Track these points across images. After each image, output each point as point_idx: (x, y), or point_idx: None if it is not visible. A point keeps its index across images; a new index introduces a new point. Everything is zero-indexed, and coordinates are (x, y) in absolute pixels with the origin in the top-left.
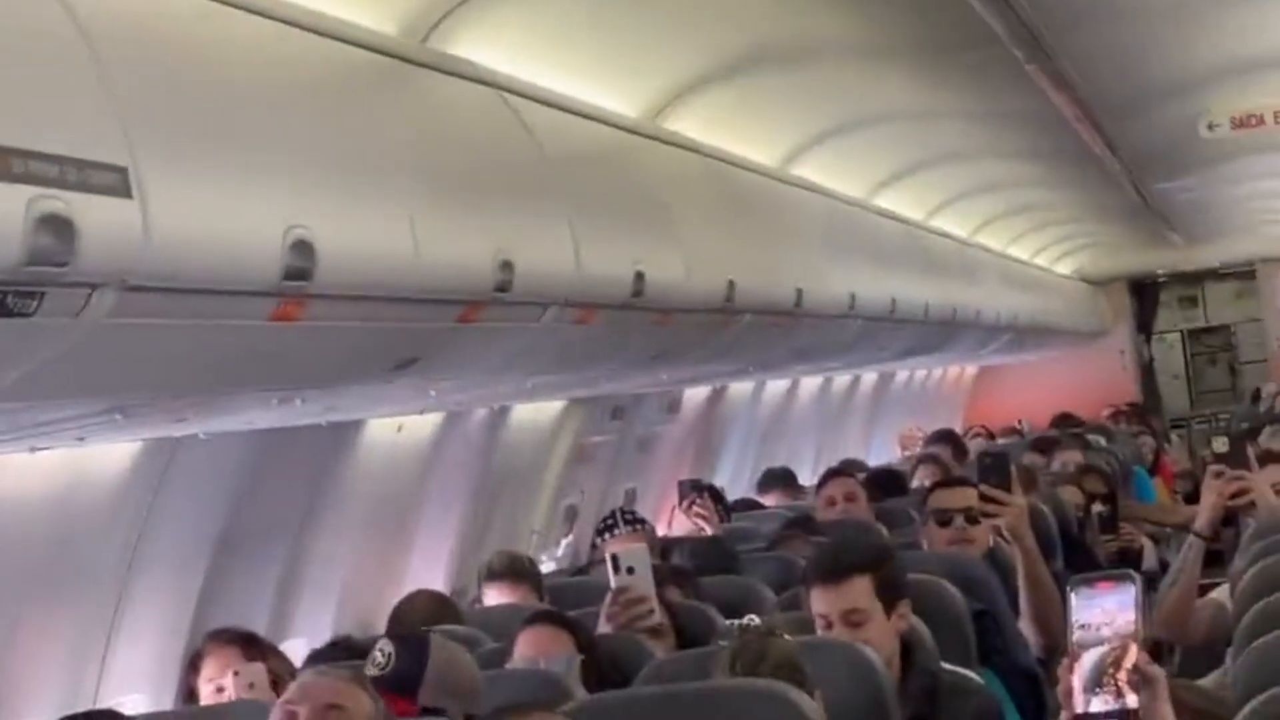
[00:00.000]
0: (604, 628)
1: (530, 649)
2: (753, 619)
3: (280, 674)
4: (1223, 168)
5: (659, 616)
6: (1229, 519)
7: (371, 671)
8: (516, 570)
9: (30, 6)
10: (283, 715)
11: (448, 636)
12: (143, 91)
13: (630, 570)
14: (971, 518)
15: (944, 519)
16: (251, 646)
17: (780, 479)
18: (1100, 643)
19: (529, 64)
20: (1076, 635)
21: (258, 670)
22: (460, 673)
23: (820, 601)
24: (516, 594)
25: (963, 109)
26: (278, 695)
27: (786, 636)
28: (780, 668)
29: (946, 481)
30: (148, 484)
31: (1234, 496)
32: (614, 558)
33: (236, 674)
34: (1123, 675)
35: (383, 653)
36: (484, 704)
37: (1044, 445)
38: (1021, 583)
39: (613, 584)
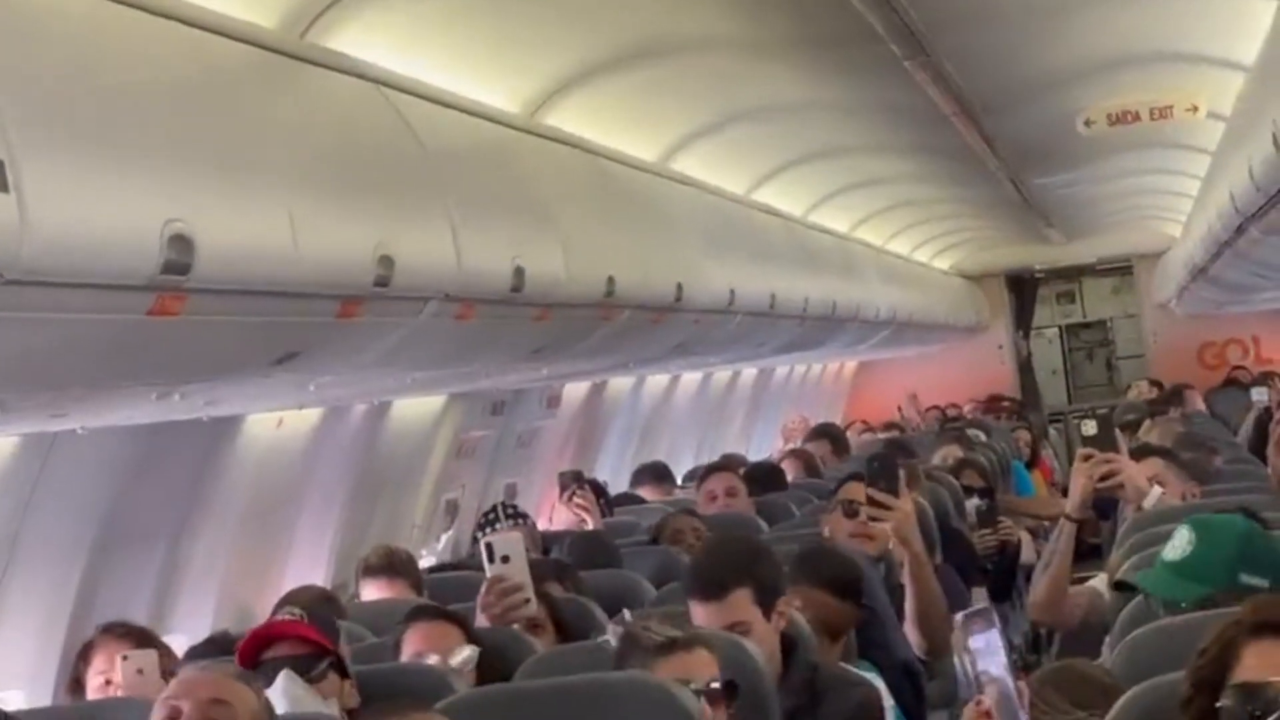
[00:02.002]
0: (480, 620)
1: (422, 644)
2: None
3: (169, 671)
4: (1100, 164)
5: (535, 607)
6: (1106, 512)
7: (286, 617)
8: (394, 565)
9: None
10: (166, 711)
11: None
12: (19, 85)
13: (505, 559)
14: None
15: (851, 510)
16: (142, 640)
17: (652, 473)
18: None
19: (409, 59)
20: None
21: (148, 657)
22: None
23: (701, 616)
24: (394, 589)
25: (841, 104)
26: None
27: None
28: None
29: (862, 475)
30: (25, 479)
31: (1103, 479)
32: (488, 546)
33: (125, 658)
34: None
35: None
36: (367, 698)
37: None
38: (908, 585)
39: (488, 573)
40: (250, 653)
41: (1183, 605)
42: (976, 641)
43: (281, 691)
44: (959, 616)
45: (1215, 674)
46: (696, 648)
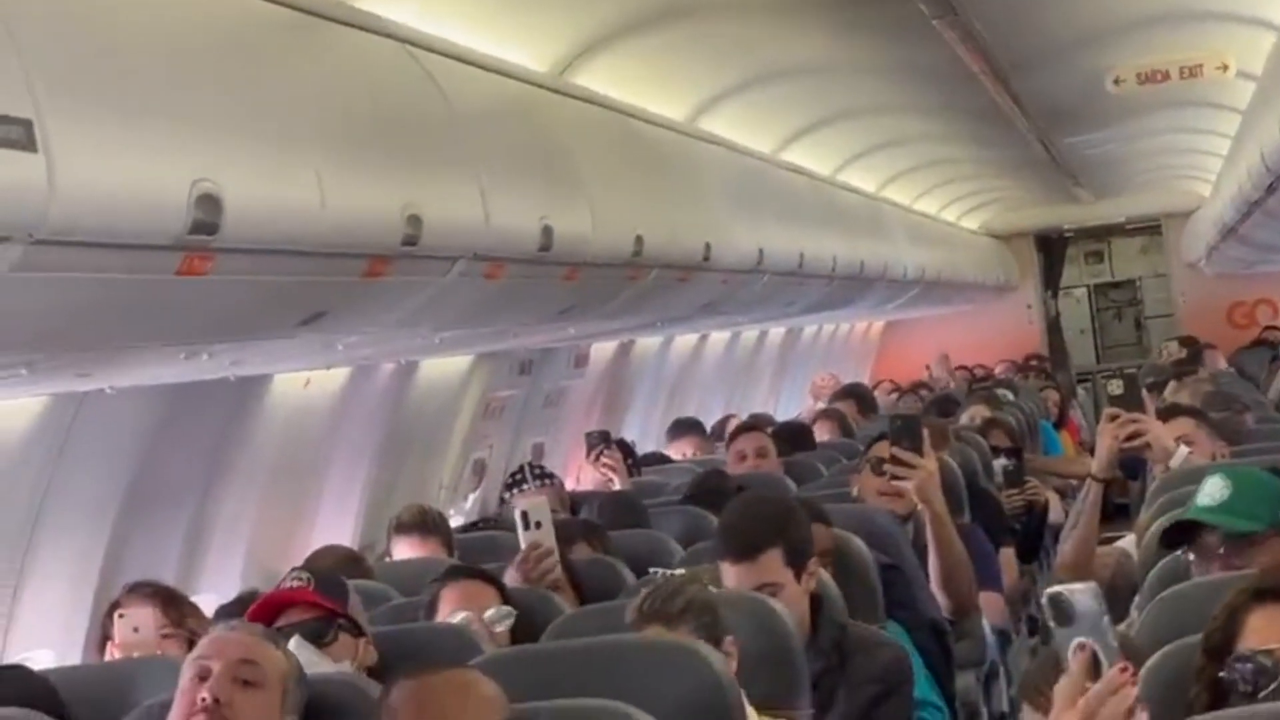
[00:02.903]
0: (512, 582)
1: (459, 604)
2: (660, 572)
3: (199, 632)
4: (1129, 123)
5: (559, 570)
6: (1135, 473)
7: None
8: (426, 524)
9: None
10: (195, 670)
11: (357, 591)
12: (48, 45)
13: (538, 525)
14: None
15: (879, 469)
16: (171, 600)
17: (690, 426)
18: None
19: (437, 18)
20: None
21: (144, 614)
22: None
23: (732, 577)
24: (426, 547)
25: (870, 64)
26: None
27: (711, 587)
28: (692, 606)
29: None
30: (54, 439)
31: (1129, 439)
32: (523, 514)
33: (121, 616)
34: None
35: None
36: (398, 660)
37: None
38: (931, 545)
39: (523, 541)
40: (261, 621)
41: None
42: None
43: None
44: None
45: (1223, 642)
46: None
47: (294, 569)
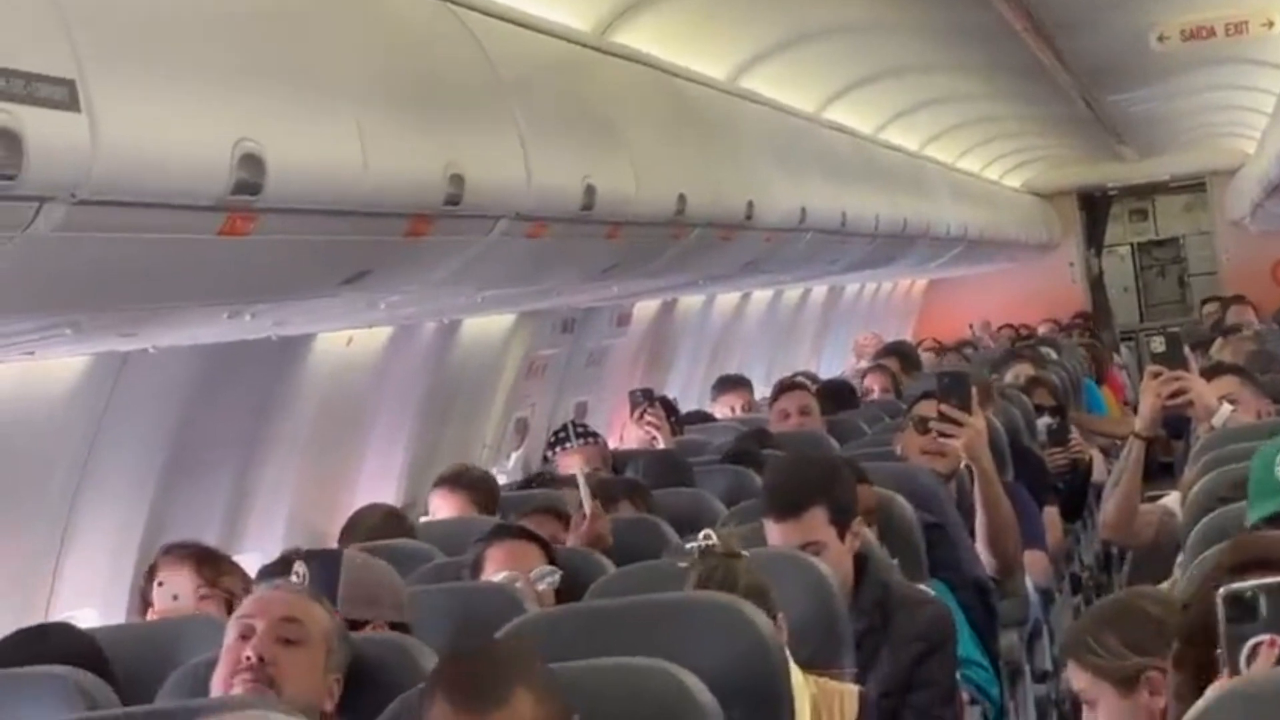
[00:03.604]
0: (572, 544)
1: (504, 563)
2: (709, 535)
3: (235, 591)
4: (1173, 80)
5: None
6: (1180, 431)
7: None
8: (461, 479)
9: None
10: (239, 629)
11: (398, 551)
12: (90, 5)
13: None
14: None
15: (923, 427)
16: (206, 560)
17: (736, 382)
18: None
19: None
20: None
21: (182, 581)
22: (376, 583)
23: (776, 535)
24: (454, 501)
25: (913, 22)
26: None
27: (745, 554)
28: (750, 592)
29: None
30: (97, 398)
31: (1172, 397)
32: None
33: (160, 584)
34: None
35: (298, 573)
36: (441, 619)
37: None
38: (978, 504)
39: (587, 507)
40: None
41: None
42: None
43: None
44: None
45: (1203, 627)
46: None
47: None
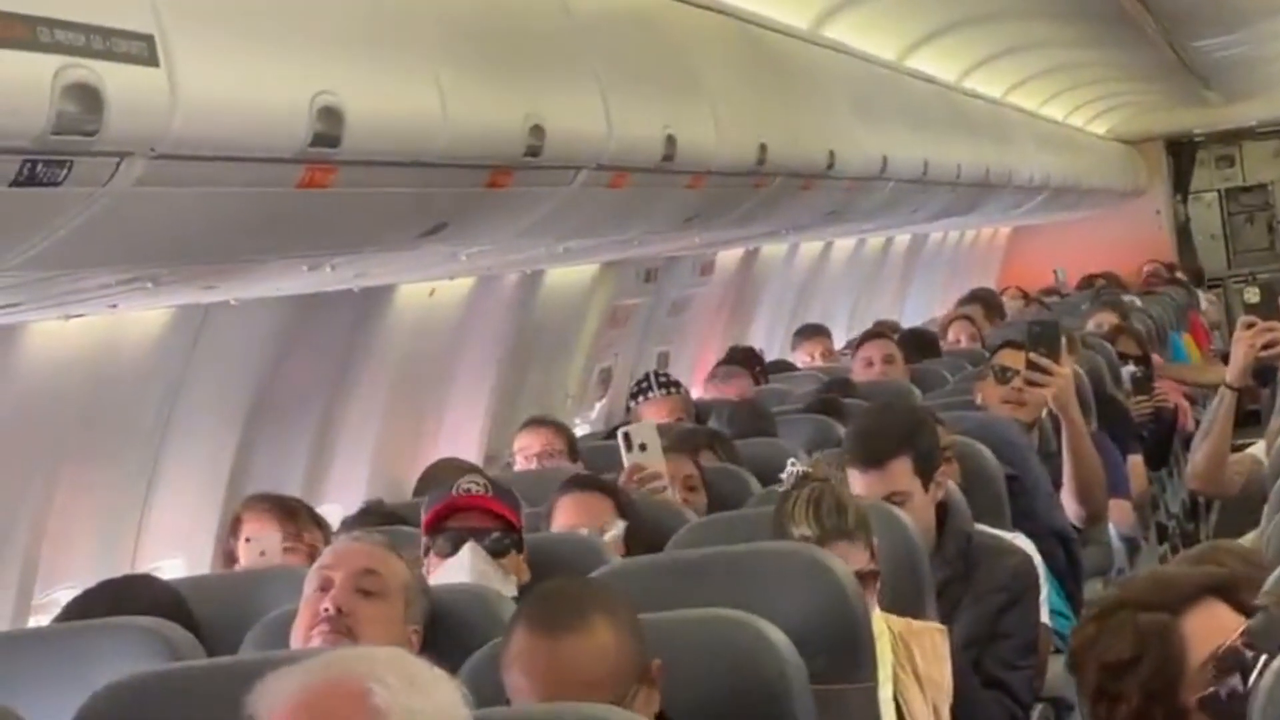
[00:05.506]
0: None
1: (573, 516)
2: (794, 461)
3: (319, 545)
4: (1261, 24)
5: (672, 493)
6: (1266, 379)
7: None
8: (543, 419)
9: None
10: (318, 580)
11: None
12: None
13: (643, 447)
14: (1031, 381)
15: (1004, 377)
16: (288, 512)
17: (815, 330)
18: None
19: None
20: None
21: (268, 536)
22: None
23: (861, 485)
24: (541, 437)
25: None
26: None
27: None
28: (861, 520)
29: (1017, 342)
30: (180, 350)
31: (1266, 347)
32: (625, 435)
33: (248, 540)
34: None
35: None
36: None
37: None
38: (1065, 454)
39: (626, 462)
40: (433, 519)
41: None
42: None
43: (467, 566)
44: None
45: (1166, 676)
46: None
47: (429, 477)
